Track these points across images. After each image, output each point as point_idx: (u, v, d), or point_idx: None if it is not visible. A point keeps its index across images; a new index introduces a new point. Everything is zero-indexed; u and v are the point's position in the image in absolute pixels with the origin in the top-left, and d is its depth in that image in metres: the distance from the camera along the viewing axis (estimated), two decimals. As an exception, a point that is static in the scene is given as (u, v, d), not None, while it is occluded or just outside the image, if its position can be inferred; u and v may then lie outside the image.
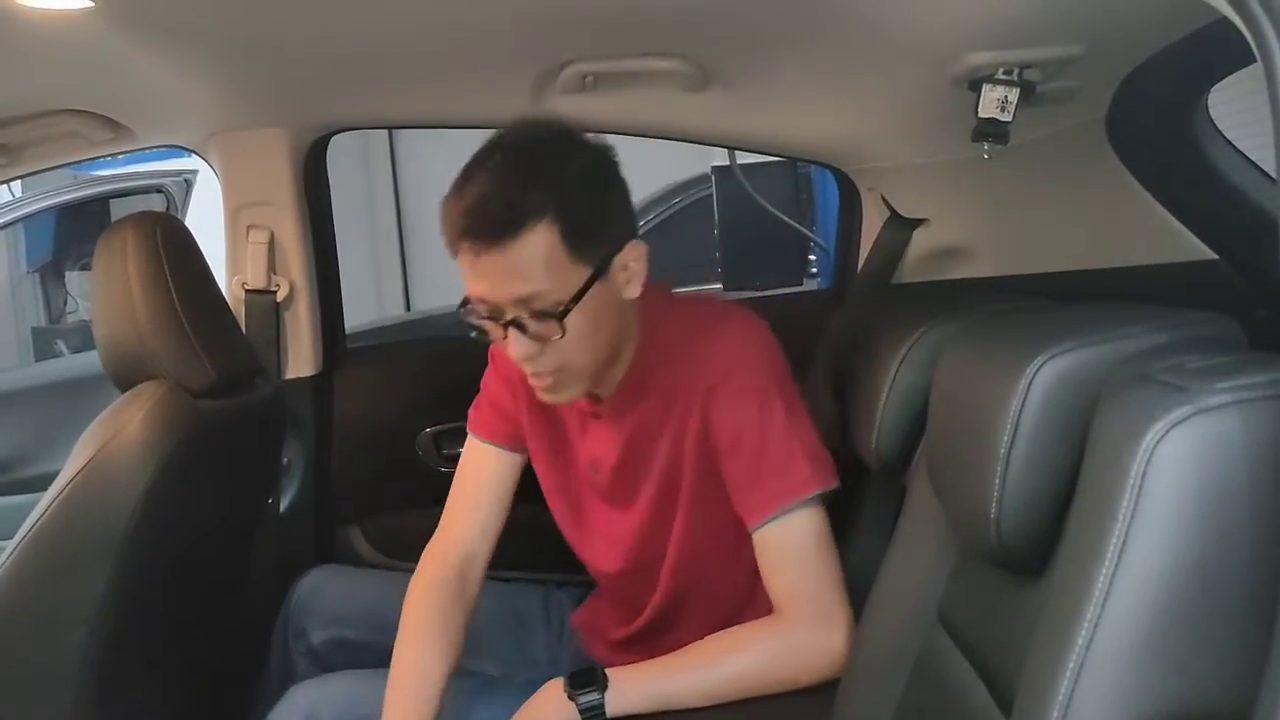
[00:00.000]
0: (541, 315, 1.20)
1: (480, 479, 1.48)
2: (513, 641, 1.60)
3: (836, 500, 1.40)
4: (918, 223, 1.80)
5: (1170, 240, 1.52)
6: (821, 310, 1.92)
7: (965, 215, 1.78)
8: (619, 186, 1.28)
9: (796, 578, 1.26)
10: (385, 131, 6.17)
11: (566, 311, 1.20)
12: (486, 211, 1.17)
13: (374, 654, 1.53)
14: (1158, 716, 0.63)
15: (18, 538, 1.42)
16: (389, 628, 1.41)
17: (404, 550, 1.73)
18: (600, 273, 1.22)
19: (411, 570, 1.47)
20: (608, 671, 1.25)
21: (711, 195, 3.18)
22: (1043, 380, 0.75)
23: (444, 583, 1.42)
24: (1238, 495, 0.61)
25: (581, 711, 1.22)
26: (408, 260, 6.55)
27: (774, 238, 2.62)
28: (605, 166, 1.26)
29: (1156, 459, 0.61)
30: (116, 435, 1.43)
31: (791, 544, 1.26)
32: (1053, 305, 1.13)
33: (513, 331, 1.21)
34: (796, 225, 2.54)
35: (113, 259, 1.51)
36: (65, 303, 5.50)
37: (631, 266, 1.26)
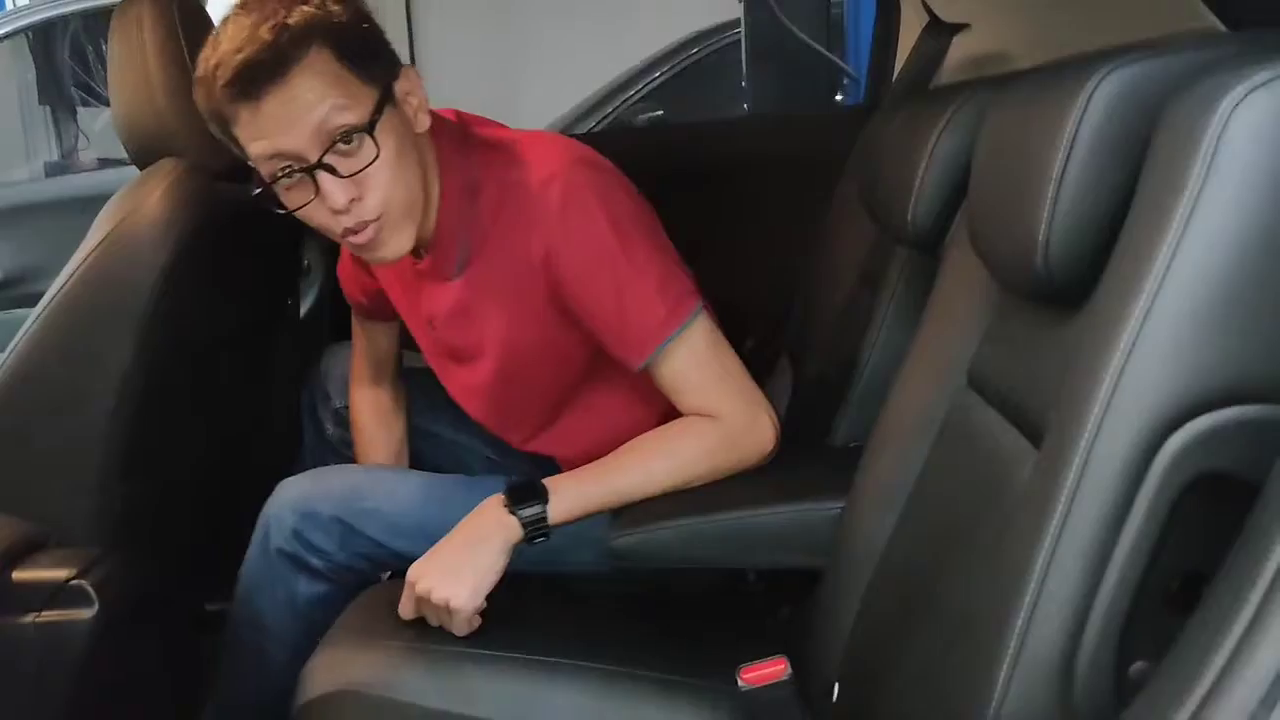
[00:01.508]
0: (348, 136, 1.13)
1: (361, 340, 1.60)
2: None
3: (863, 283, 1.38)
4: (958, 28, 1.74)
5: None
6: (854, 126, 1.87)
7: (1007, 18, 1.71)
8: (367, 8, 1.22)
9: (702, 390, 1.26)
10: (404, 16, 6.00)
11: (374, 124, 1.14)
12: (253, 53, 1.10)
13: None
14: (1211, 392, 0.61)
15: (36, 311, 1.42)
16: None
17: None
18: (388, 94, 1.17)
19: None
20: (545, 481, 1.23)
21: (733, 45, 3.10)
22: (1104, 92, 0.71)
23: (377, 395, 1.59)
24: (1317, 163, 0.58)
25: (524, 525, 1.20)
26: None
27: (802, 63, 2.55)
28: None
29: (1234, 123, 0.58)
30: (134, 211, 1.41)
31: (679, 369, 1.25)
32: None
33: (326, 179, 1.14)
34: (825, 51, 2.46)
35: (129, 32, 1.47)
36: (77, 140, 5.42)
37: (415, 94, 1.22)
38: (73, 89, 5.05)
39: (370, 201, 1.17)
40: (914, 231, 1.16)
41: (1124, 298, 0.64)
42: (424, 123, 1.23)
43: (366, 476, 1.47)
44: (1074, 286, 0.76)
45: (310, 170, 1.14)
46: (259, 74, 1.11)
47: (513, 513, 1.21)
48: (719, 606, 1.37)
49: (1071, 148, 0.72)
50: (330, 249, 1.97)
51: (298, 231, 1.83)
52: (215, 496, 1.66)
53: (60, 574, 1.20)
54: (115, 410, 1.40)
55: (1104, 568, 0.64)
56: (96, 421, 1.40)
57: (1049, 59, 1.67)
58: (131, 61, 1.46)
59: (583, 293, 1.25)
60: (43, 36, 4.76)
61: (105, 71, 1.54)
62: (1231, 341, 0.61)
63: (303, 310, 1.97)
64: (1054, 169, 0.73)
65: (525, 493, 1.22)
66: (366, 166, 1.15)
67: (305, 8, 1.13)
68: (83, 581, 1.19)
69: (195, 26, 1.50)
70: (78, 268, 1.41)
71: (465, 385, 1.43)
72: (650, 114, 4.03)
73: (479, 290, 1.31)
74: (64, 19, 4.22)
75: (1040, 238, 0.74)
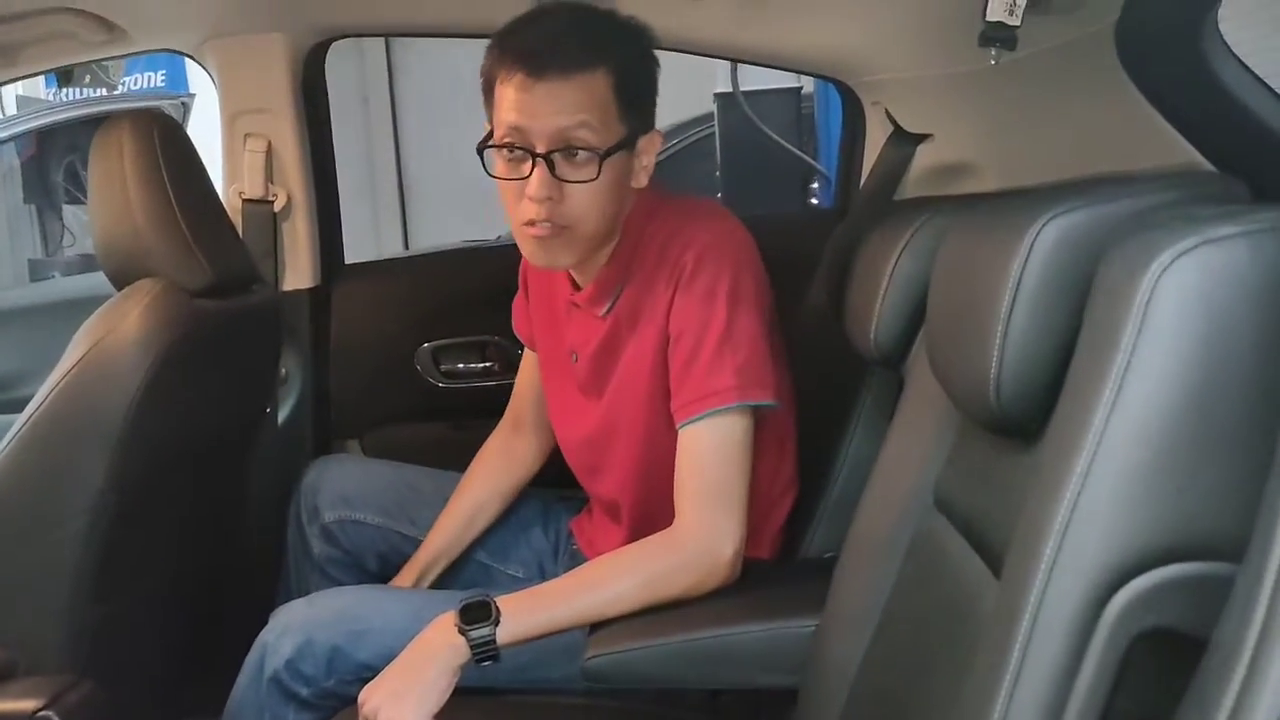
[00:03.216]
0: (582, 151, 1.23)
1: (522, 378, 1.65)
2: (515, 539, 1.63)
3: (832, 397, 1.40)
4: (921, 138, 1.79)
5: (1176, 157, 1.51)
6: (823, 228, 1.91)
7: (969, 130, 1.76)
8: (658, 73, 1.33)
9: (697, 485, 1.28)
10: (384, 62, 6.11)
11: (608, 155, 1.24)
12: (562, 41, 1.22)
13: (384, 538, 1.63)
14: (1152, 550, 0.63)
15: (13, 430, 1.42)
16: (397, 514, 1.53)
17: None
18: (632, 140, 1.28)
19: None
20: (499, 600, 1.24)
21: (710, 136, 3.16)
22: (1045, 239, 0.74)
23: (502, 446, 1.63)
24: (1242, 325, 0.60)
25: (472, 646, 1.21)
26: (406, 200, 6.53)
27: (776, 164, 2.61)
28: (653, 48, 1.32)
29: (1161, 288, 0.60)
30: (114, 330, 1.42)
31: (700, 451, 1.28)
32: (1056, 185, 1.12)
33: (539, 169, 1.23)
34: (798, 151, 2.52)
35: (109, 154, 1.49)
36: (62, 236, 5.46)
37: (648, 155, 1.32)
38: (62, 185, 5.10)
39: (564, 209, 1.25)
40: (877, 350, 1.18)
41: (1068, 449, 0.66)
42: (642, 181, 1.33)
43: (358, 598, 1.47)
44: (1026, 421, 0.78)
45: (534, 156, 1.23)
46: (555, 59, 1.21)
47: (462, 632, 1.21)
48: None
49: (1017, 290, 0.75)
50: (310, 358, 1.99)
51: (276, 341, 1.86)
52: (192, 618, 1.64)
53: (28, 705, 1.17)
54: (88, 532, 1.39)
55: (1060, 713, 0.65)
56: (69, 543, 1.39)
57: (1014, 176, 1.73)
58: (111, 183, 1.49)
59: (676, 337, 1.31)
60: (31, 136, 4.81)
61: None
62: (1170, 500, 0.62)
63: (281, 418, 1.98)
64: (1001, 308, 0.76)
65: (476, 612, 1.23)
66: (579, 181, 1.24)
67: (616, 36, 1.27)
68: (50, 712, 1.17)
69: (175, 150, 1.54)
70: (53, 388, 1.41)
71: (581, 419, 1.46)
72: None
73: (620, 329, 1.37)
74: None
75: (992, 374, 0.76)
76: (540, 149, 1.23)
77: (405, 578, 1.56)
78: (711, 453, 1.28)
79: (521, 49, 1.23)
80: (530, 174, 1.23)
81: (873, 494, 1.11)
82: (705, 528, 1.27)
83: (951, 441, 0.99)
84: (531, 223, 1.26)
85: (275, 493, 1.82)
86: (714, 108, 3.02)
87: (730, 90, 2.58)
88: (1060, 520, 0.64)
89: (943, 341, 0.90)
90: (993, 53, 1.38)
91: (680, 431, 1.30)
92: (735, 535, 1.27)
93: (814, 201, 2.78)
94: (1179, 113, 1.51)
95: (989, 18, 1.36)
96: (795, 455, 1.45)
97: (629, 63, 1.26)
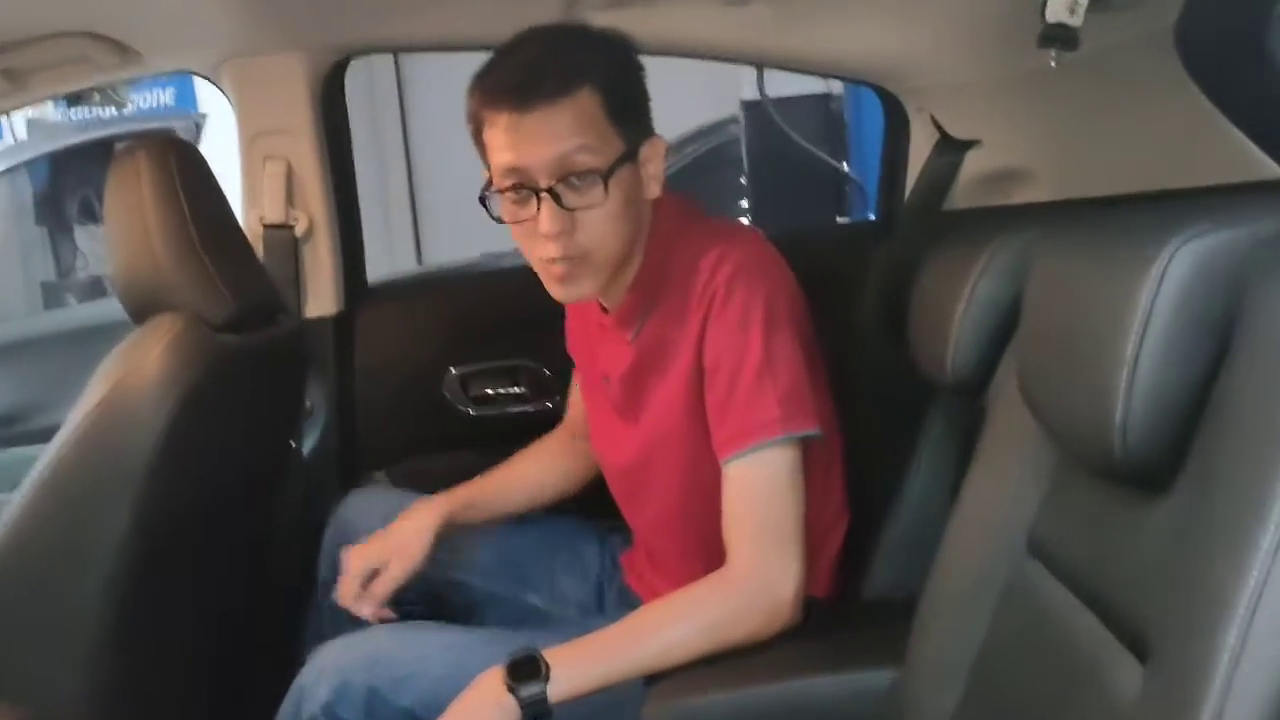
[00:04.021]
0: (584, 175, 1.18)
1: (574, 394, 1.61)
2: (564, 575, 1.56)
3: (888, 424, 1.33)
4: (970, 145, 1.71)
5: (1240, 159, 1.43)
6: (866, 243, 1.83)
7: (1021, 135, 1.68)
8: (644, 78, 1.29)
9: (750, 525, 1.21)
10: (394, 76, 6.07)
11: (611, 173, 1.18)
12: (540, 70, 1.17)
13: (420, 572, 1.51)
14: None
15: (34, 475, 1.35)
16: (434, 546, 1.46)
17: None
18: (633, 151, 1.22)
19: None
20: (548, 654, 1.17)
21: (733, 140, 3.09)
22: (1179, 268, 0.66)
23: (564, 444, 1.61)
24: None
25: (523, 705, 1.15)
26: (419, 214, 6.48)
27: (806, 175, 2.53)
28: (635, 54, 1.27)
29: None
30: (135, 369, 1.36)
31: (749, 487, 1.22)
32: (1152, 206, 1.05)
33: (547, 204, 1.18)
34: (831, 160, 2.44)
35: (126, 184, 1.43)
36: (75, 257, 5.44)
37: (654, 162, 1.27)
38: (76, 215, 5.08)
39: (579, 239, 1.20)
40: (953, 378, 1.10)
41: (1242, 502, 0.58)
42: (654, 191, 1.28)
43: (396, 640, 1.39)
44: (1155, 468, 0.70)
45: (537, 192, 1.18)
46: (538, 88, 1.17)
47: (511, 690, 1.15)
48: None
49: (1147, 324, 0.67)
50: (336, 387, 1.92)
51: (302, 372, 1.79)
52: (219, 663, 1.58)
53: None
54: (111, 579, 1.33)
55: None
56: (91, 591, 1.33)
57: (1070, 184, 1.65)
58: (129, 212, 1.42)
59: (713, 370, 1.25)
60: (44, 159, 4.79)
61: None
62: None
63: (306, 450, 1.91)
64: (1127, 345, 0.68)
65: (525, 668, 1.16)
66: (589, 207, 1.19)
67: (594, 52, 1.22)
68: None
69: (193, 176, 1.47)
70: (72, 433, 1.35)
71: (618, 444, 1.42)
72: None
73: (648, 355, 1.33)
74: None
75: (1117, 418, 0.69)
76: (543, 184, 1.18)
77: (435, 506, 1.50)
78: (760, 488, 1.22)
79: (502, 86, 1.19)
80: (538, 211, 1.18)
81: (956, 535, 1.03)
82: (762, 567, 1.20)
83: (1048, 481, 0.91)
84: (552, 260, 1.21)
85: (302, 529, 1.75)
86: (738, 112, 2.95)
87: (757, 98, 2.50)
88: (1247, 596, 0.56)
89: (1044, 377, 0.83)
90: (1051, 54, 1.31)
91: (725, 468, 1.23)
92: (795, 574, 1.20)
93: (847, 211, 2.71)
94: (1245, 116, 1.44)
95: (1049, 18, 1.29)
96: (844, 483, 1.38)
97: (612, 74, 1.22)
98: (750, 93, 2.55)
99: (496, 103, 1.18)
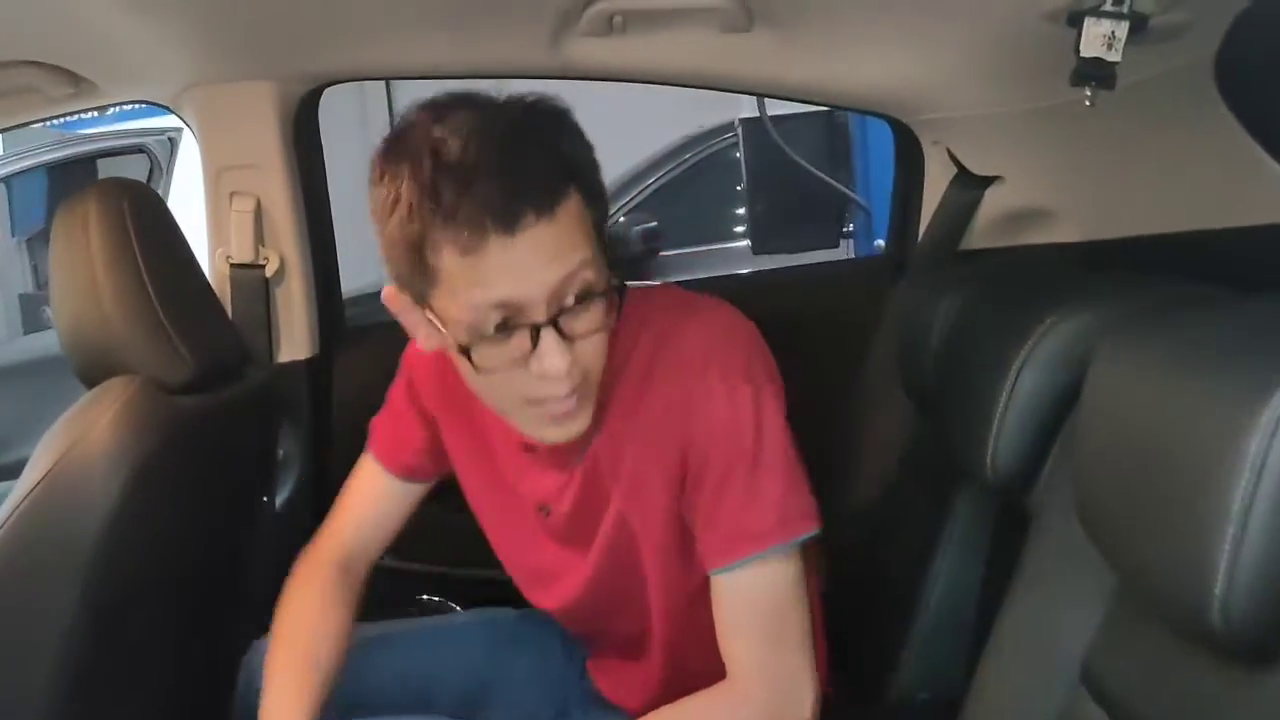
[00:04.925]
0: (590, 296, 0.97)
1: (366, 496, 1.32)
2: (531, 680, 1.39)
3: (921, 501, 1.21)
4: (990, 181, 1.60)
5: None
6: (876, 280, 1.72)
7: (1045, 172, 1.57)
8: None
9: (753, 632, 1.06)
10: (385, 95, 5.96)
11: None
12: (525, 173, 0.92)
13: None
14: None
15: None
16: None
17: (410, 549, 1.54)
18: (607, 251, 1.01)
19: (416, 569, 1.35)
20: None
21: (730, 146, 2.98)
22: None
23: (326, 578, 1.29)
24: None
25: None
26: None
27: (807, 196, 2.41)
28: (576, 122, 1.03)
29: None
30: (80, 440, 1.25)
31: (749, 602, 1.06)
32: (1225, 294, 0.93)
33: (550, 339, 0.96)
34: (835, 183, 2.33)
35: (74, 235, 1.32)
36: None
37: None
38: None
39: (577, 374, 0.99)
40: (995, 475, 0.98)
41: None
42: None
43: None
44: (1256, 649, 0.58)
45: (536, 328, 0.96)
46: (527, 199, 0.92)
47: None
48: None
49: (1259, 481, 0.55)
50: (310, 436, 1.80)
51: (273, 425, 1.67)
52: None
53: None
54: (58, 670, 1.22)
55: None
56: (35, 683, 1.23)
57: (1098, 224, 1.54)
58: (75, 268, 1.32)
59: (698, 471, 1.06)
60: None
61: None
62: None
63: (279, 502, 1.79)
64: (1233, 504, 0.56)
65: None
66: (593, 333, 0.98)
67: (558, 136, 0.97)
68: None
69: (148, 222, 1.37)
70: (15, 509, 1.24)
71: (560, 576, 1.22)
72: (645, 225, 3.89)
73: (598, 481, 1.12)
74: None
75: (1218, 590, 0.57)
76: (541, 317, 0.95)
77: None
78: (762, 593, 1.06)
79: (479, 205, 0.91)
80: (534, 349, 0.96)
81: (999, 652, 0.92)
82: (771, 675, 1.07)
83: (1104, 612, 0.80)
84: (542, 401, 1.01)
85: (274, 587, 1.63)
86: (734, 120, 2.84)
87: (756, 116, 2.38)
88: None
89: (1113, 513, 0.71)
90: (1086, 93, 1.20)
91: (718, 579, 1.07)
92: (810, 678, 1.07)
93: (848, 230, 2.59)
94: (1283, 147, 1.33)
95: (1083, 53, 1.17)
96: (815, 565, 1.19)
97: (583, 165, 0.98)
98: (749, 110, 2.44)
99: (472, 228, 0.91)
